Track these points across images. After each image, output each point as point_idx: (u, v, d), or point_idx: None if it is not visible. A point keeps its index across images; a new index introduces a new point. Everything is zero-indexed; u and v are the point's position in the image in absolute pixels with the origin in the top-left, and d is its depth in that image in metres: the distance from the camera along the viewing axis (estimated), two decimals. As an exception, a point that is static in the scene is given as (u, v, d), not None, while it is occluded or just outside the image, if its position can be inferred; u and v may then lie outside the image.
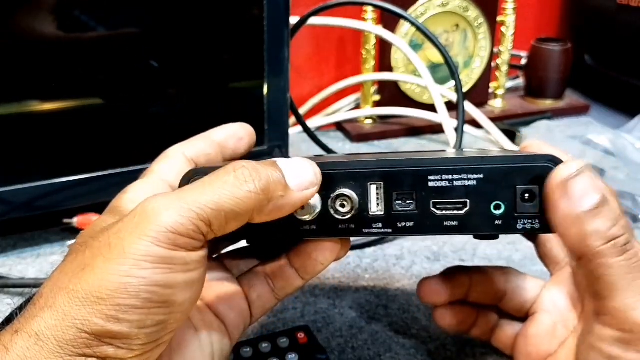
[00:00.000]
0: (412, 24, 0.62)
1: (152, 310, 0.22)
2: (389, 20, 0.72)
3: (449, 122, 0.67)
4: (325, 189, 0.27)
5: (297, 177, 0.25)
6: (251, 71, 0.51)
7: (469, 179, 0.26)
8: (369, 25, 0.71)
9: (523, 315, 0.34)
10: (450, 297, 0.35)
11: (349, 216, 0.27)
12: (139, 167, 0.47)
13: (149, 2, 0.47)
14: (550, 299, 0.33)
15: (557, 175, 0.25)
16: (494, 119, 0.74)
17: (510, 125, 0.76)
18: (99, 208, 0.51)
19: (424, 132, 0.77)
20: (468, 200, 0.27)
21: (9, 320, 0.43)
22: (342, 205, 0.27)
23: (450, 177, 0.26)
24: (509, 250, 0.51)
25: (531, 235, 0.36)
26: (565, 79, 0.83)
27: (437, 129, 0.73)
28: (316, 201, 0.27)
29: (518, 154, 0.28)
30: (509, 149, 0.68)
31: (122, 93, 0.49)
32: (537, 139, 0.33)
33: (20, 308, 0.22)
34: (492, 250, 0.51)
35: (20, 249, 0.51)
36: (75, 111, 0.47)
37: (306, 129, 0.67)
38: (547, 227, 0.26)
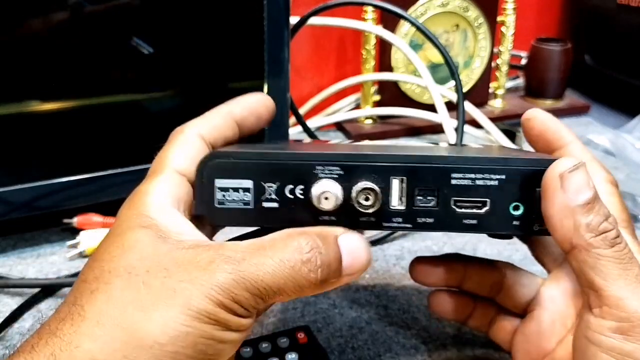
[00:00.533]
0: (412, 24, 0.62)
1: None
2: (389, 20, 0.72)
3: (449, 122, 0.67)
4: (348, 180, 0.26)
5: (352, 263, 0.26)
6: (251, 71, 0.51)
7: (491, 179, 0.27)
8: (369, 25, 0.71)
9: (521, 312, 0.34)
10: (440, 280, 0.35)
11: (371, 210, 0.27)
12: (139, 167, 0.47)
13: (149, 3, 0.47)
14: (548, 296, 0.33)
15: (555, 168, 0.26)
16: (494, 119, 0.74)
17: (510, 125, 0.76)
18: (99, 208, 0.52)
19: (424, 132, 0.77)
20: (488, 200, 0.27)
21: (7, 322, 0.43)
22: (366, 199, 0.26)
23: (473, 175, 0.27)
24: (509, 250, 0.51)
25: (526, 237, 0.36)
26: (565, 79, 0.83)
27: (437, 129, 0.73)
28: (338, 192, 0.26)
29: (541, 157, 0.28)
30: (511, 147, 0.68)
31: (122, 93, 0.49)
32: (542, 113, 0.32)
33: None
34: (492, 250, 0.51)
35: (20, 249, 0.51)
36: (75, 111, 0.47)
37: (306, 129, 0.67)
38: None
